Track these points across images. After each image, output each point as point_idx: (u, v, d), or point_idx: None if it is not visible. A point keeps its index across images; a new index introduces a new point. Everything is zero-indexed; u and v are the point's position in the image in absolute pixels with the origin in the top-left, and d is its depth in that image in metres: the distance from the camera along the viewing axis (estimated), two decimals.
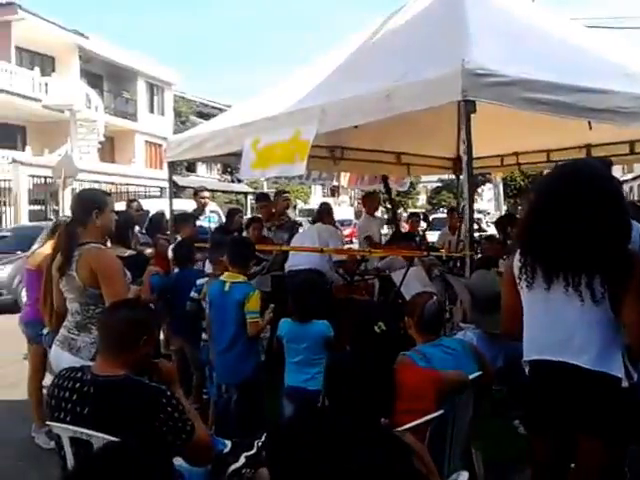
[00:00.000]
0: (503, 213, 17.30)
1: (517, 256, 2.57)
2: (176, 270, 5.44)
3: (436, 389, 2.64)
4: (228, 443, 2.93)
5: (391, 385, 2.19)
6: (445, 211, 16.48)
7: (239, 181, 34.40)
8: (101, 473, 1.37)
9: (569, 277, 2.38)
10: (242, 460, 2.97)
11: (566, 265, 2.39)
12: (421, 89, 3.88)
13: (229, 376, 4.40)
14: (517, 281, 2.55)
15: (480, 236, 8.40)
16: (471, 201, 3.95)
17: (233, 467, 2.90)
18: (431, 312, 3.06)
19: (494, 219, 24.50)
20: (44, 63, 26.15)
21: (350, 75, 5.09)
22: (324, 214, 7.12)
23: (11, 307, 11.14)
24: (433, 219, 17.81)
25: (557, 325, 2.45)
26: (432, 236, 10.29)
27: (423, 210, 33.51)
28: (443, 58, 3.99)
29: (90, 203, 3.40)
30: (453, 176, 9.44)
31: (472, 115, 3.69)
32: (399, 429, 2.17)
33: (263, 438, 3.61)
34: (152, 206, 10.72)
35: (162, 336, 5.96)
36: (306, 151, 4.57)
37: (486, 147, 6.34)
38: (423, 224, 11.33)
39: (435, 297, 3.15)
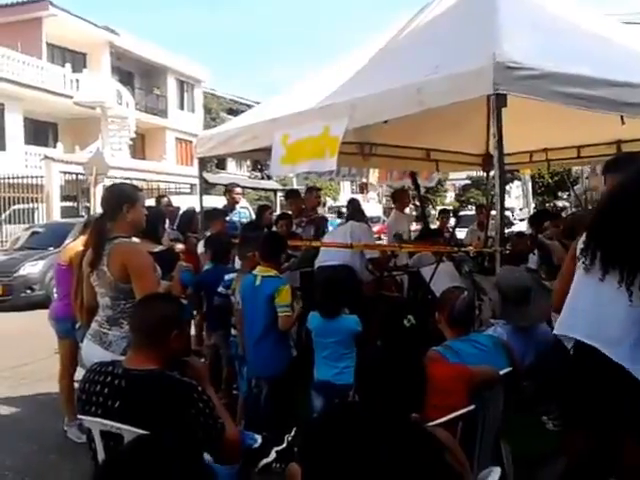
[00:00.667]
0: (531, 210, 17.06)
1: (583, 237, 2.61)
2: (206, 266, 5.49)
3: (466, 384, 2.62)
4: (258, 438, 2.94)
5: (422, 379, 2.18)
6: (473, 208, 16.32)
7: (269, 178, 34.51)
8: (134, 464, 1.38)
9: (624, 273, 2.38)
10: (273, 455, 2.98)
11: (623, 261, 2.39)
12: (452, 83, 3.85)
13: (260, 370, 4.42)
14: (576, 260, 2.61)
15: (510, 232, 8.32)
16: (502, 197, 3.91)
17: (264, 462, 2.92)
18: (461, 307, 3.04)
19: (522, 216, 24.22)
20: (75, 60, 26.51)
21: (380, 70, 5.06)
22: (355, 211, 7.04)
23: (43, 303, 11.32)
24: (461, 216, 17.71)
25: (606, 318, 2.46)
26: (461, 233, 10.20)
27: (451, 207, 33.26)
28: (474, 52, 3.95)
29: (121, 197, 3.41)
30: (482, 173, 9.34)
31: (502, 110, 3.65)
32: (430, 424, 2.15)
33: (293, 433, 3.62)
34: (183, 203, 10.82)
35: (193, 332, 6.03)
36: (336, 147, 4.56)
37: (515, 143, 6.27)
38: (452, 221, 11.26)
39: (466, 292, 3.13)
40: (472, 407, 2.54)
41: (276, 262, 4.47)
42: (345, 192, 42.55)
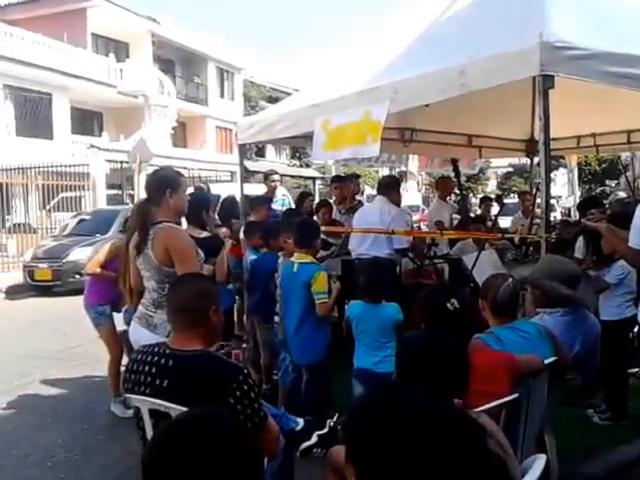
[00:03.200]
0: (577, 199, 16.63)
1: None
2: (248, 252, 5.53)
3: (510, 372, 2.58)
4: (300, 421, 2.95)
5: (465, 364, 2.15)
6: (516, 196, 15.99)
7: (307, 166, 34.54)
8: (192, 438, 1.39)
9: None
10: (314, 438, 2.99)
11: None
12: (496, 64, 3.75)
13: (299, 357, 4.44)
14: None
15: (555, 219, 8.14)
16: (548, 182, 3.80)
17: (305, 445, 2.93)
18: (506, 294, 2.99)
19: (567, 204, 23.69)
20: (118, 49, 26.91)
21: (422, 53, 4.97)
22: (391, 188, 6.14)
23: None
24: (505, 204, 17.36)
25: None
26: (504, 221, 10.02)
27: (493, 195, 32.75)
28: (519, 32, 3.84)
29: (164, 182, 3.46)
30: (525, 160, 9.15)
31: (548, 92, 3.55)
32: (474, 410, 2.13)
33: (335, 418, 3.63)
34: (223, 190, 10.91)
35: (236, 318, 6.10)
36: (378, 132, 4.50)
37: (561, 128, 6.10)
38: (495, 209, 11.07)
39: (510, 280, 3.07)
40: (516, 395, 2.50)
41: (311, 248, 4.47)
42: None
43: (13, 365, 6.66)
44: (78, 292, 11.32)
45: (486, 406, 2.31)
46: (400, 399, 1.42)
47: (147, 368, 2.40)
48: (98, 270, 4.99)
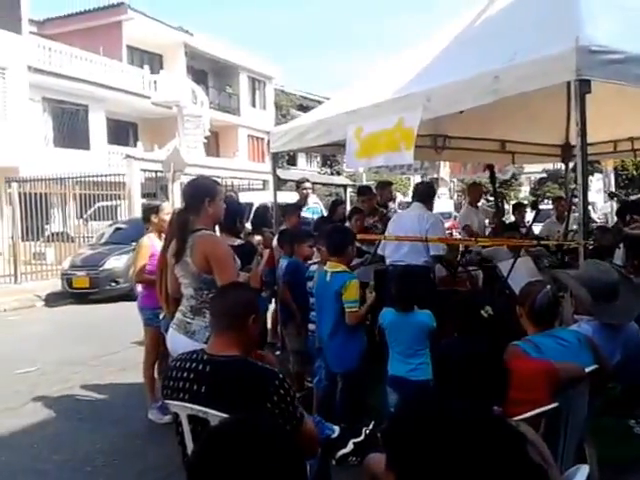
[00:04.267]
0: (615, 204, 16.30)
1: None
2: (282, 260, 5.56)
3: (549, 381, 2.54)
4: (336, 429, 2.95)
5: (503, 370, 2.13)
6: (549, 202, 15.74)
7: (338, 174, 34.56)
8: (234, 443, 1.41)
9: None
10: (350, 446, 2.99)
11: None
12: (531, 70, 3.73)
13: (333, 364, 4.44)
14: None
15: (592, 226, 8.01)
16: (585, 187, 3.76)
17: (341, 452, 2.93)
18: (544, 301, 2.95)
19: (604, 210, 23.23)
20: (153, 61, 27.37)
21: (455, 59, 4.96)
22: (427, 195, 6.11)
23: (127, 295, 11.80)
24: (540, 210, 17.11)
25: None
26: (538, 228, 9.88)
27: (525, 202, 32.33)
28: (555, 36, 3.81)
29: (202, 191, 3.50)
30: (559, 166, 9.04)
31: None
32: (513, 419, 2.10)
33: (371, 426, 3.63)
34: (255, 199, 10.99)
35: (270, 325, 6.13)
36: (412, 139, 4.49)
37: (597, 132, 6.01)
38: (529, 215, 10.93)
39: (548, 286, 3.03)
40: (556, 405, 2.46)
41: (344, 256, 4.45)
42: None
43: (53, 371, 6.79)
44: (114, 299, 11.70)
45: (525, 415, 2.28)
46: (440, 407, 1.42)
47: (185, 374, 2.44)
48: (146, 277, 5.02)
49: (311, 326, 4.89)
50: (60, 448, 4.64)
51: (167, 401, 2.49)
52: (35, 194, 15.45)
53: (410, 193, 36.99)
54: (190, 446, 2.42)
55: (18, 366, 6.99)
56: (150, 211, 5.22)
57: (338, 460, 3.46)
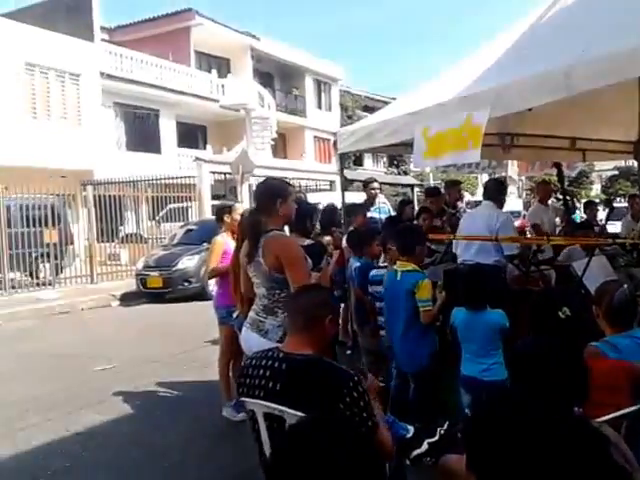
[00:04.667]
0: None
1: None
2: (351, 260, 5.60)
3: (631, 382, 2.48)
4: (410, 428, 2.95)
5: (583, 371, 2.09)
6: (622, 200, 15.24)
7: (405, 173, 34.33)
8: (313, 443, 1.44)
9: None
10: (425, 446, 2.99)
11: None
12: (605, 64, 3.61)
13: (405, 365, 4.44)
14: None
15: None
16: None
17: (416, 452, 2.93)
18: (621, 301, 2.87)
19: None
20: (220, 65, 27.91)
21: (524, 55, 4.86)
22: (498, 193, 5.97)
23: (199, 295, 12.14)
24: (613, 208, 16.66)
25: None
26: (612, 226, 9.57)
27: (597, 200, 31.26)
28: (629, 29, 3.69)
29: (274, 192, 3.55)
30: (631, 163, 8.73)
31: None
32: (595, 421, 2.07)
33: (445, 426, 3.62)
34: (323, 199, 11.06)
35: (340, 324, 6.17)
36: (479, 137, 4.43)
37: None
38: (601, 213, 10.60)
39: (625, 286, 2.95)
40: (638, 407, 2.40)
41: (414, 255, 4.44)
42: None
43: (130, 368, 7.05)
44: (187, 299, 12.01)
45: (607, 417, 2.24)
46: (521, 408, 1.42)
47: (261, 372, 2.49)
48: (218, 269, 5.14)
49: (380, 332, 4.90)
50: (138, 444, 4.80)
51: (243, 398, 2.54)
52: (109, 197, 16.01)
53: (478, 192, 36.29)
54: (266, 443, 2.46)
55: (96, 363, 7.29)
56: (223, 211, 5.35)
57: (413, 460, 3.46)
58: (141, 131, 23.22)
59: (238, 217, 4.90)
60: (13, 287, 13.23)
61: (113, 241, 16.90)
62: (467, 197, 29.43)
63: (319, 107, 34.05)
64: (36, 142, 17.53)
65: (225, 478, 4.18)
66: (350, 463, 1.40)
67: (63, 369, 7.28)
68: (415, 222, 6.88)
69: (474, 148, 4.50)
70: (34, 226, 13.62)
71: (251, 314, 3.56)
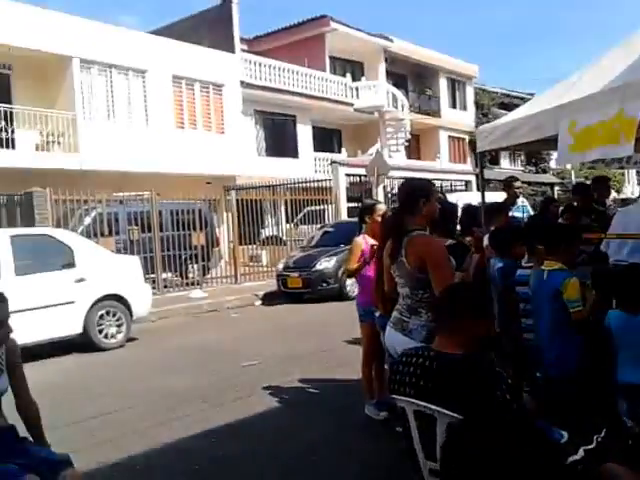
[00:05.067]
0: None
1: None
2: (493, 260, 5.48)
3: None
4: (564, 434, 2.86)
5: None
6: None
7: (544, 172, 32.94)
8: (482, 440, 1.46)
9: None
10: (581, 453, 2.87)
11: None
12: None
13: (552, 368, 4.29)
14: None
15: None
16: None
17: (572, 459, 2.81)
18: None
19: None
20: (354, 69, 28.24)
21: None
22: None
23: (337, 295, 12.40)
24: None
25: None
26: None
27: None
28: None
29: (417, 192, 3.55)
30: None
31: None
32: None
33: (603, 433, 3.45)
34: (460, 199, 10.92)
35: None
36: (633, 130, 4.20)
37: None
38: None
39: None
40: None
41: (561, 254, 4.27)
42: (631, 183, 38.43)
43: (274, 365, 7.33)
44: (325, 299, 12.31)
45: None
46: None
47: (412, 369, 2.52)
48: (356, 266, 5.24)
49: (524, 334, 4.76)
50: (284, 438, 4.97)
51: (393, 395, 2.59)
52: (250, 200, 16.71)
53: (625, 189, 33.87)
54: (416, 440, 2.50)
55: (243, 359, 7.64)
56: (365, 211, 5.41)
57: (568, 466, 3.33)
58: (279, 137, 24.06)
59: (379, 218, 4.95)
60: (165, 286, 14.15)
61: (254, 243, 17.62)
62: (613, 195, 27.71)
63: (453, 106, 33.50)
64: (183, 150, 18.71)
65: (370, 474, 4.23)
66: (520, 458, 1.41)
67: (213, 364, 7.71)
68: (560, 221, 6.61)
69: (627, 142, 4.26)
70: (183, 229, 14.52)
71: (395, 313, 3.58)
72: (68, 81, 16.98)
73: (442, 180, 21.66)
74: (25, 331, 6.66)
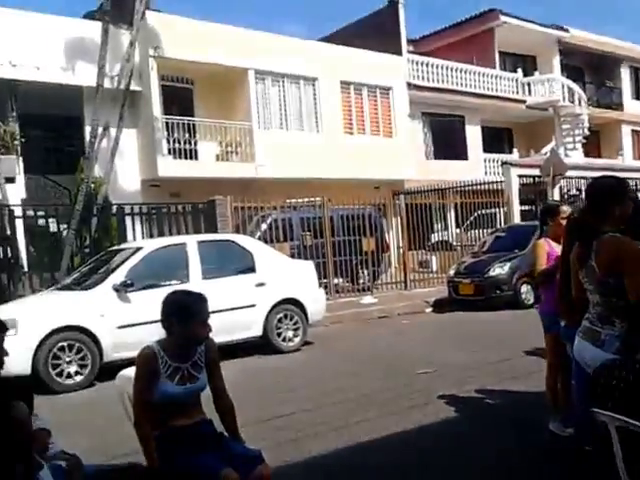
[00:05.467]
0: None
1: None
2: None
3: None
4: None
5: None
6: None
7: None
8: None
9: None
10: None
11: None
12: None
13: None
14: None
15: None
16: None
17: None
18: None
19: None
20: (526, 63, 27.02)
21: None
22: None
23: (511, 302, 11.89)
24: None
25: None
26: None
27: None
28: None
29: (610, 191, 3.28)
30: None
31: None
32: None
33: None
34: None
35: None
36: None
37: None
38: None
39: None
40: None
41: None
42: None
43: (449, 373, 7.15)
44: (498, 306, 11.86)
45: None
46: None
47: (614, 383, 2.33)
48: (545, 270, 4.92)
49: None
50: (459, 451, 4.78)
51: (594, 410, 2.38)
52: (419, 205, 16.55)
53: None
54: (619, 458, 2.28)
55: (417, 366, 7.52)
56: (547, 213, 5.12)
57: None
58: (447, 138, 23.60)
59: (564, 220, 4.64)
60: (337, 292, 14.38)
61: (423, 248, 17.41)
62: None
63: (637, 97, 30.90)
64: (352, 155, 18.97)
65: None
66: None
67: (387, 370, 7.66)
68: None
69: None
70: (353, 235, 14.70)
71: (584, 323, 3.31)
72: (245, 92, 17.90)
73: (627, 179, 20.04)
74: (212, 333, 7.08)
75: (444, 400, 6.04)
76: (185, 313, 3.13)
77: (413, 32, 27.40)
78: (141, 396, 3.10)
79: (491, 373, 6.99)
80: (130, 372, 3.26)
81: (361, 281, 15.12)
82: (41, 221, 12.19)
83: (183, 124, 16.73)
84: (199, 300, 3.21)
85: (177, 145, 16.59)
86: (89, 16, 17.26)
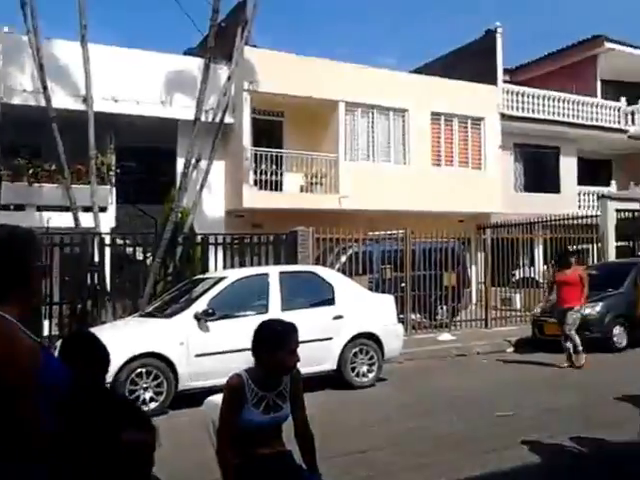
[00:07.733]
0: None
1: None
2: None
3: None
4: None
5: None
6: None
7: None
8: None
9: None
10: None
11: None
12: None
13: None
14: None
15: None
16: None
17: None
18: None
19: None
20: (630, 91, 25.68)
21: None
22: None
23: (601, 345, 11.25)
24: None
25: None
26: None
27: None
28: None
29: None
30: None
31: None
32: None
33: None
34: None
35: None
36: None
37: None
38: None
39: None
40: None
41: None
42: None
43: (530, 417, 6.88)
44: (588, 349, 11.13)
45: None
46: None
47: None
48: None
49: None
50: None
51: None
52: (504, 239, 15.94)
53: None
54: None
55: (497, 409, 7.25)
56: None
57: None
58: (539, 170, 22.80)
59: None
60: (413, 327, 14.02)
61: (506, 285, 16.74)
62: None
63: None
64: (438, 188, 18.69)
65: None
66: None
67: (465, 410, 7.42)
68: None
69: None
70: (434, 269, 14.36)
71: None
72: (334, 124, 18.07)
73: None
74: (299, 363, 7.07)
75: (526, 446, 5.79)
76: (276, 342, 3.16)
77: (510, 60, 26.63)
78: (227, 423, 3.14)
79: (576, 418, 6.68)
80: (217, 399, 3.31)
81: (439, 317, 14.75)
82: (128, 249, 12.61)
83: (271, 155, 17.08)
84: (290, 330, 3.25)
85: (263, 176, 16.95)
86: (189, 52, 18.07)
